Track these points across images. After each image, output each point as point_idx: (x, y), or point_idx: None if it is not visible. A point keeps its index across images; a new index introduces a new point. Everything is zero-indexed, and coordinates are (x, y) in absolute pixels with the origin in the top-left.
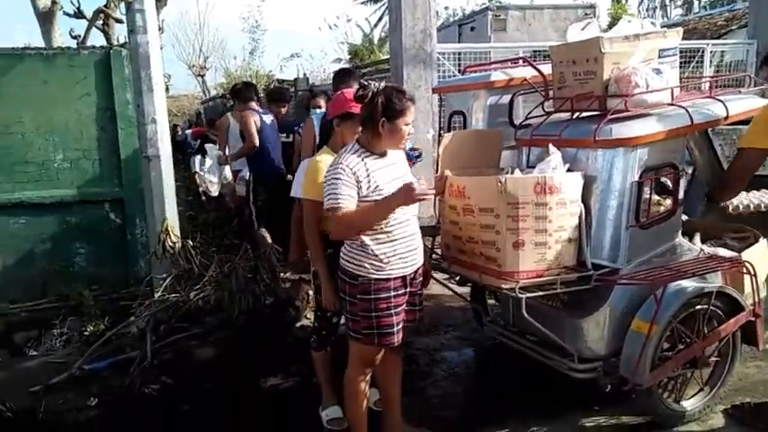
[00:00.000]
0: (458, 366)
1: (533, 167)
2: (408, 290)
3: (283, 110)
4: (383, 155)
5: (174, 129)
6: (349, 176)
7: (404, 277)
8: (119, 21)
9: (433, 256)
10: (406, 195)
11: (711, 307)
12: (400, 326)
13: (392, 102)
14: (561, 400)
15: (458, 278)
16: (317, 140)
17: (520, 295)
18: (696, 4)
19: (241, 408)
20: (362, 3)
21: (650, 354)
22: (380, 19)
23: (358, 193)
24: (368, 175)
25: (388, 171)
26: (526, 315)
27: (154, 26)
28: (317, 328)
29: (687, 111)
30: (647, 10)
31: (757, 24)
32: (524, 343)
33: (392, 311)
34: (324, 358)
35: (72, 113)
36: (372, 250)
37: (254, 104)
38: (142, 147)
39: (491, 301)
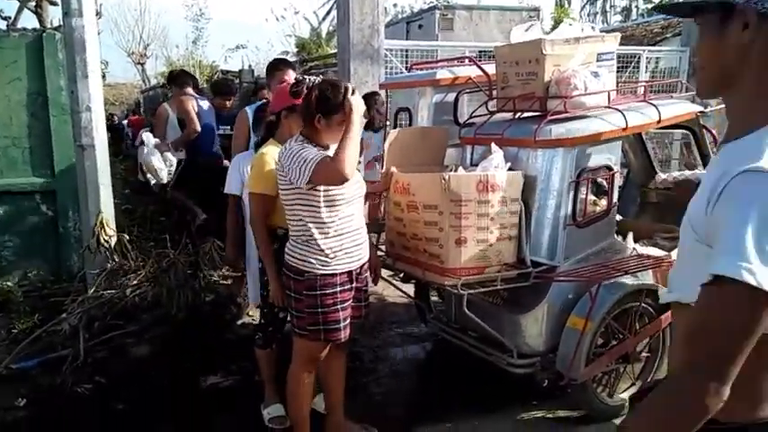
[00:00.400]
0: (401, 363)
1: (477, 165)
2: (354, 285)
3: (229, 102)
4: (326, 149)
5: (110, 118)
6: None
7: (350, 272)
8: (53, 3)
9: (378, 252)
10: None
11: (643, 304)
12: (347, 321)
13: (327, 97)
14: (502, 395)
15: (402, 275)
16: (251, 133)
17: (461, 292)
18: (634, 11)
19: (179, 406)
20: None
21: (585, 349)
22: (328, 13)
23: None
24: None
25: None
26: (467, 311)
27: (91, 9)
28: (264, 325)
29: (623, 114)
30: (588, 15)
31: (690, 33)
32: (466, 339)
33: (338, 307)
34: (268, 356)
35: (0, 99)
36: (318, 245)
37: (190, 90)
38: (76, 135)
39: (435, 298)
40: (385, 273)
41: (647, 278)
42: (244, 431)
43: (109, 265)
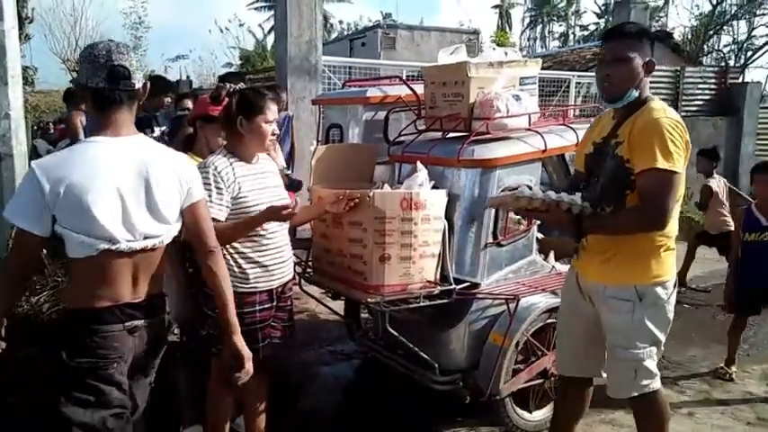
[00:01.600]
0: (329, 381)
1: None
2: (276, 304)
3: (167, 99)
4: (252, 161)
5: (45, 125)
6: (217, 181)
7: (270, 291)
8: None
9: (307, 269)
10: (271, 215)
11: None
12: (266, 342)
13: (248, 99)
14: (427, 412)
15: (332, 292)
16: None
17: (384, 309)
18: (572, 38)
19: None
20: (255, 8)
21: (505, 365)
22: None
23: (225, 199)
24: (235, 180)
25: (257, 179)
26: (389, 328)
27: (11, 14)
28: (185, 344)
29: (542, 136)
30: (528, 40)
31: None
32: (392, 356)
33: (257, 327)
34: (187, 376)
35: None
36: (238, 262)
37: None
38: None
39: (365, 315)
40: (315, 289)
41: None
42: None
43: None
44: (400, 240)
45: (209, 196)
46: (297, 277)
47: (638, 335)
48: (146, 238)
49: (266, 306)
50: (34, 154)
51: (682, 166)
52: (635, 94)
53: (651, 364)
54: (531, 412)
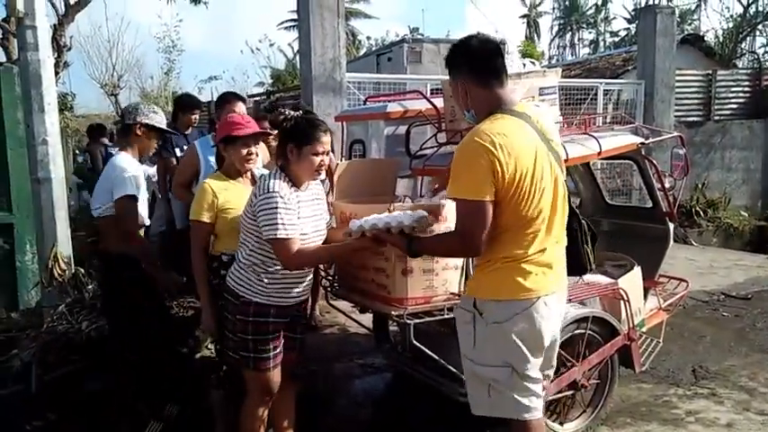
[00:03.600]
0: (358, 394)
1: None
2: (287, 321)
3: (194, 117)
4: (303, 187)
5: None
6: (287, 202)
7: (285, 307)
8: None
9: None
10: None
11: (589, 331)
12: (277, 351)
13: (300, 128)
14: (456, 425)
15: (359, 306)
16: (202, 172)
17: (408, 321)
18: (602, 44)
19: None
20: (285, 28)
21: None
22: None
23: (295, 218)
24: (296, 204)
25: (304, 206)
26: (414, 341)
27: (46, 45)
28: (217, 364)
29: (563, 146)
30: (557, 48)
31: (645, 66)
32: (419, 369)
33: (269, 336)
34: (221, 395)
35: None
36: (260, 274)
37: (104, 140)
38: (32, 169)
39: (394, 328)
40: (344, 304)
41: (595, 305)
42: None
43: (66, 299)
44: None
45: (279, 218)
46: (324, 292)
47: (483, 351)
48: None
49: (279, 320)
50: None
51: (482, 190)
52: (468, 114)
53: (509, 388)
54: (561, 424)
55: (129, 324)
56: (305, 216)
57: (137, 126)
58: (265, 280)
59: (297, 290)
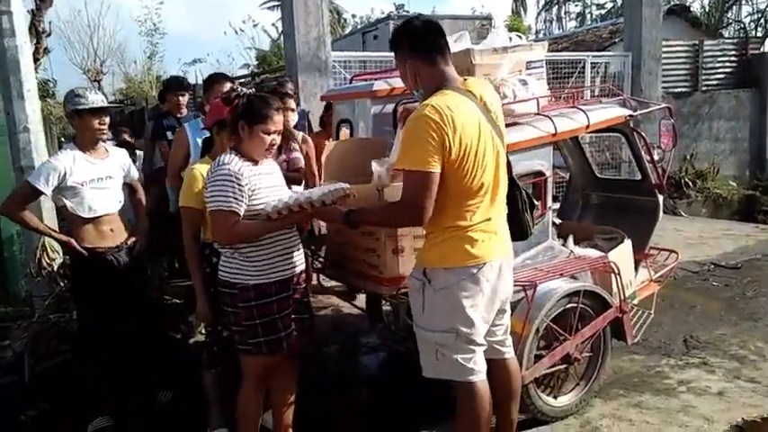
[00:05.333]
0: (353, 374)
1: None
2: (292, 294)
3: (183, 99)
4: (256, 163)
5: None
6: (236, 177)
7: (285, 281)
8: None
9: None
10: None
11: (581, 305)
12: (289, 331)
13: (252, 105)
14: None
15: (350, 286)
16: (192, 156)
17: (399, 300)
18: (588, 17)
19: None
20: (268, 8)
21: (526, 352)
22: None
23: (245, 195)
24: (248, 180)
25: (263, 178)
26: (407, 319)
27: (23, 30)
28: (208, 344)
29: (552, 120)
30: (544, 21)
31: (632, 38)
32: (412, 347)
33: (276, 317)
34: (214, 377)
35: None
36: (248, 255)
37: None
38: (14, 157)
39: (386, 308)
40: (335, 284)
41: (587, 279)
42: None
43: (56, 289)
44: (413, 232)
45: (229, 191)
46: (315, 273)
47: (431, 317)
48: None
49: (282, 295)
50: None
51: (432, 162)
52: (417, 93)
53: (454, 351)
54: (555, 398)
55: (95, 316)
56: (265, 187)
57: (70, 117)
58: (255, 259)
59: (292, 259)
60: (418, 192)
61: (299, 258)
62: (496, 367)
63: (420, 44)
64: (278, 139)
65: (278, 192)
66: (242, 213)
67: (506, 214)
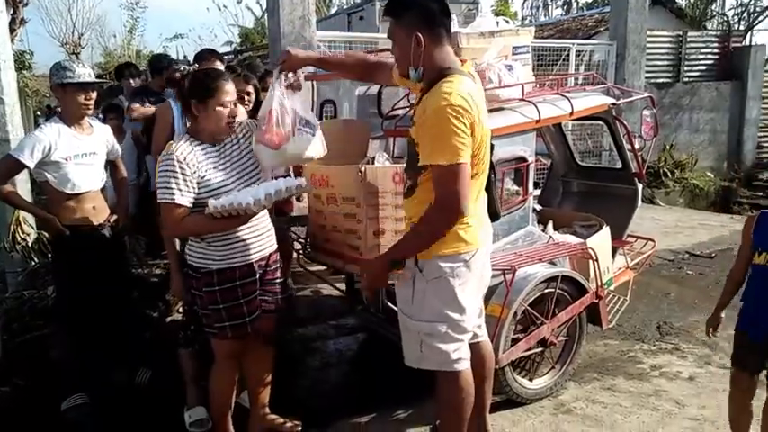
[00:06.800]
0: (333, 355)
1: (401, 158)
2: (259, 277)
3: (133, 81)
4: (216, 143)
5: (49, 110)
6: (182, 167)
7: (250, 264)
8: None
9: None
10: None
11: (558, 290)
12: (254, 315)
13: (199, 81)
14: (428, 384)
15: (331, 268)
16: (177, 131)
17: None
18: (575, 5)
19: (101, 408)
20: None
21: (503, 335)
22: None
23: (191, 185)
24: (196, 164)
25: (220, 162)
26: (387, 302)
27: None
28: (185, 323)
29: (536, 106)
30: (530, 8)
31: (617, 27)
32: (392, 330)
33: (241, 301)
34: (190, 356)
35: None
36: (211, 241)
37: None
38: None
39: None
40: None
41: (565, 265)
42: None
43: (30, 265)
44: (394, 215)
45: (173, 182)
46: (296, 255)
47: (421, 307)
48: None
49: (248, 280)
50: None
51: (467, 153)
52: (414, 72)
53: (441, 341)
54: (531, 380)
55: (73, 293)
56: (221, 171)
57: (55, 90)
58: (218, 244)
59: (258, 242)
60: (456, 185)
61: (268, 240)
62: (471, 350)
63: (432, 17)
64: (238, 109)
65: (240, 171)
66: (188, 204)
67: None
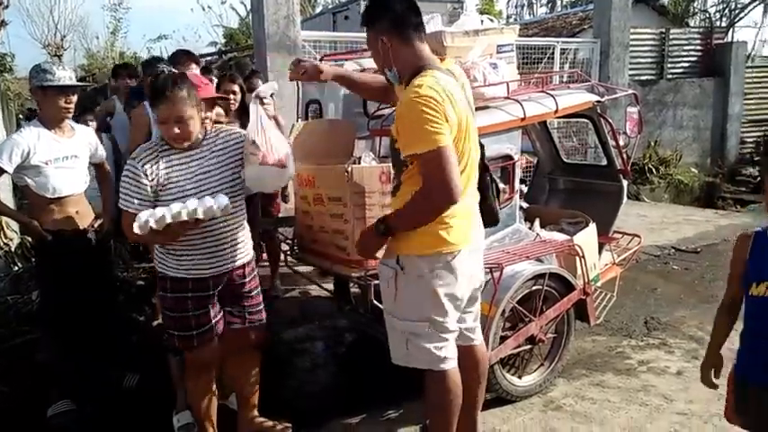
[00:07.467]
0: (321, 356)
1: (387, 157)
2: (223, 292)
3: (129, 81)
4: (187, 148)
5: (30, 113)
6: (138, 175)
7: (204, 279)
8: None
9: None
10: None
11: (546, 287)
12: (203, 330)
13: (152, 89)
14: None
15: (319, 269)
16: (153, 135)
17: (368, 282)
18: (559, 3)
19: (89, 414)
20: None
21: (492, 333)
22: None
23: (144, 193)
24: (156, 171)
25: (187, 169)
26: (374, 302)
27: None
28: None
29: (521, 104)
30: (515, 7)
31: (601, 25)
32: (380, 330)
33: (190, 314)
34: (179, 362)
35: None
36: (168, 247)
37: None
38: None
39: (355, 290)
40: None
41: (552, 262)
42: None
43: (13, 270)
44: (381, 214)
45: (129, 189)
46: (284, 256)
47: (404, 306)
48: None
49: (200, 294)
50: None
51: (444, 137)
52: (390, 73)
53: (426, 341)
54: (520, 378)
55: (57, 297)
56: (185, 176)
57: (34, 93)
58: (174, 252)
59: (213, 258)
60: (440, 169)
61: (232, 256)
62: (466, 353)
63: (398, 20)
64: (181, 129)
65: (195, 184)
66: (136, 210)
67: (479, 200)
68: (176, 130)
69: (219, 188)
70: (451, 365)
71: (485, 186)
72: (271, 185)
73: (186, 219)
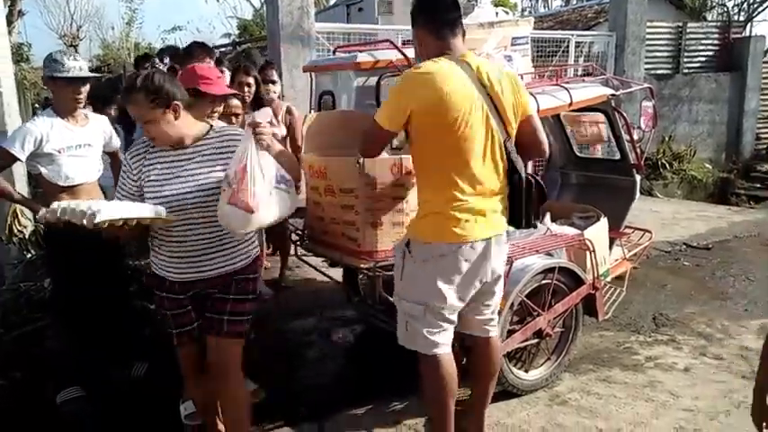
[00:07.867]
0: (327, 347)
1: (399, 148)
2: (188, 296)
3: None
4: (177, 147)
5: (46, 102)
6: (127, 167)
7: (182, 284)
8: None
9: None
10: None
11: (555, 282)
12: (181, 331)
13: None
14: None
15: (329, 260)
16: None
17: (377, 273)
18: None
19: (101, 401)
20: None
21: (500, 326)
22: None
23: (128, 186)
24: (141, 168)
25: (170, 169)
26: (383, 293)
27: None
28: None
29: (535, 97)
30: (530, 0)
31: (617, 18)
32: (388, 321)
33: (168, 312)
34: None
35: None
36: (154, 245)
37: None
38: None
39: (364, 281)
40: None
41: (562, 256)
42: (165, 428)
43: (27, 257)
44: (392, 206)
45: (121, 181)
46: (294, 247)
47: (406, 286)
48: None
49: (174, 297)
50: None
51: (387, 119)
52: (419, 61)
53: (421, 325)
54: (527, 371)
55: (69, 285)
56: (165, 176)
57: (46, 82)
58: (157, 250)
59: (190, 266)
60: (366, 139)
61: (207, 266)
62: (480, 345)
63: (429, 16)
64: (147, 131)
65: (180, 184)
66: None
67: (510, 199)
68: (147, 132)
69: (197, 194)
70: (443, 351)
71: (512, 188)
72: (234, 227)
73: (70, 219)
